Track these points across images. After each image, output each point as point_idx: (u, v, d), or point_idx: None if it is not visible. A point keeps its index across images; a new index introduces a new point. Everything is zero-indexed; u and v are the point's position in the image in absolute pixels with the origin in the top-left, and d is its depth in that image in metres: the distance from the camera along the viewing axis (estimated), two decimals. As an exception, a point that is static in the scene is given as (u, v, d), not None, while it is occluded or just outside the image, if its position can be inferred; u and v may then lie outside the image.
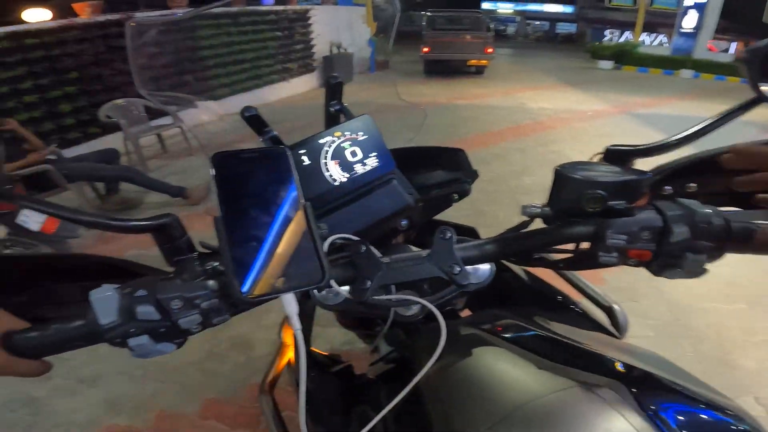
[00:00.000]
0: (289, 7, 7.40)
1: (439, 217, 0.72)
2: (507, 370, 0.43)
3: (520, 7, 30.21)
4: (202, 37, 5.73)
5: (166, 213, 0.40)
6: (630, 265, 0.44)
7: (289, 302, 0.36)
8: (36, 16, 6.01)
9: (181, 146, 4.52)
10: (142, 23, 0.65)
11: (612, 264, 0.43)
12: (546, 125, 5.47)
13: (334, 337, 1.89)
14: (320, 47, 7.90)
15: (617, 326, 0.65)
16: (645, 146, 0.49)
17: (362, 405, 0.56)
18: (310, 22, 7.75)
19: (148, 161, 4.10)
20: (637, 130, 5.27)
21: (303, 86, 7.71)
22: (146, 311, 0.35)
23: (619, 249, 0.42)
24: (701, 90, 8.25)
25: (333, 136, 0.54)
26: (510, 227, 0.52)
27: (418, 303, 0.46)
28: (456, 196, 0.68)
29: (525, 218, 0.49)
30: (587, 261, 0.46)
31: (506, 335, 0.49)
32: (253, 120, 0.63)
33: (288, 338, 0.73)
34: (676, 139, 0.50)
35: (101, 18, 4.73)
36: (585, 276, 0.73)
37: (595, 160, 0.51)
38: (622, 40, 14.65)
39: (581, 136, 5.01)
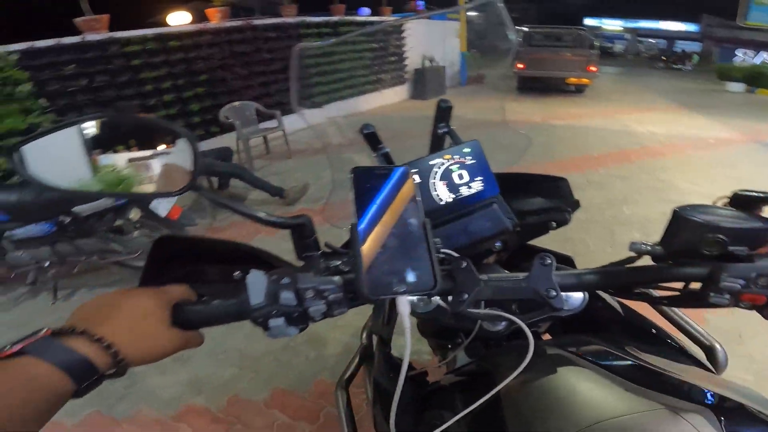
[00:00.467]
0: (384, 18, 7.73)
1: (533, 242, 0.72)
2: (590, 387, 0.43)
3: (631, 24, 27.79)
4: (310, 55, 6.19)
5: (302, 215, 0.48)
6: (740, 308, 0.44)
7: (404, 304, 0.40)
8: (178, 19, 6.95)
9: (281, 149, 4.94)
10: (306, 47, 0.76)
11: (722, 306, 0.43)
12: (655, 152, 4.94)
13: (402, 345, 1.92)
14: (412, 60, 8.08)
15: (716, 366, 0.63)
16: None
17: (435, 410, 0.58)
18: (403, 35, 7.98)
19: (254, 161, 4.54)
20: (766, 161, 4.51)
21: (394, 97, 7.97)
22: (287, 297, 0.41)
23: (733, 292, 0.42)
24: None
25: (443, 158, 0.58)
26: (613, 261, 0.52)
27: (508, 320, 0.48)
28: (554, 224, 0.69)
29: (631, 254, 0.49)
30: (695, 300, 0.45)
31: (592, 358, 0.49)
32: (370, 137, 0.70)
33: (368, 340, 0.77)
34: None
35: (228, 24, 5.27)
36: (687, 312, 0.70)
37: (719, 204, 0.51)
38: (757, 61, 12.68)
39: (697, 165, 4.44)
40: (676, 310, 0.72)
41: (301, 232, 0.47)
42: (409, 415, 0.58)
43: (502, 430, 0.43)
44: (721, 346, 0.65)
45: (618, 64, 18.41)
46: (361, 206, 0.41)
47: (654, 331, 0.66)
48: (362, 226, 0.40)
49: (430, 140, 0.78)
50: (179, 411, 1.67)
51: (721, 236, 0.42)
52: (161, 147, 0.49)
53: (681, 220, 0.45)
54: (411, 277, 0.39)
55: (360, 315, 0.53)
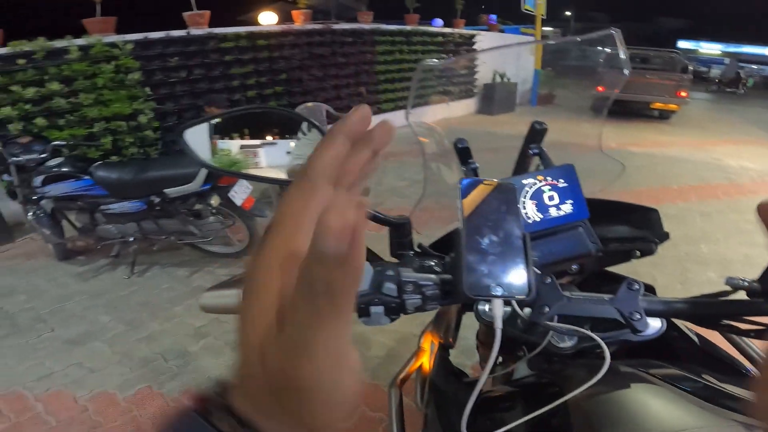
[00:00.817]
0: (456, 30, 7.67)
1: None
2: (664, 403, 0.43)
3: (732, 49, 25.16)
4: (380, 52, 6.28)
5: (403, 215, 0.52)
6: None
7: (498, 306, 0.42)
8: (266, 19, 7.37)
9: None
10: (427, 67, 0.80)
11: None
12: (746, 189, 4.45)
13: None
14: (482, 74, 7.94)
15: None
16: None
17: (494, 414, 0.59)
18: (475, 47, 7.90)
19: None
20: None
21: (461, 110, 7.89)
22: (390, 288, 0.44)
23: None
24: None
25: (536, 179, 0.60)
26: (704, 293, 0.52)
27: (586, 335, 0.49)
28: (638, 254, 0.68)
29: (726, 288, 0.49)
30: None
31: (667, 379, 0.48)
32: (463, 151, 0.74)
33: (426, 344, 0.79)
34: None
35: (309, 26, 5.52)
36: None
37: None
38: None
39: (800, 212, 3.90)
40: (753, 345, 0.69)
41: (400, 231, 0.51)
42: (460, 417, 0.61)
43: None
44: None
45: (713, 91, 16.74)
46: (469, 214, 0.45)
47: (731, 363, 0.63)
48: (467, 231, 0.44)
49: (516, 159, 0.80)
50: None
51: None
52: (269, 137, 0.53)
53: None
54: (507, 282, 0.41)
55: (406, 323, 0.56)
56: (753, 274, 0.49)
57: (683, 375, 0.50)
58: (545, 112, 8.05)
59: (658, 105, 8.12)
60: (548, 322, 0.50)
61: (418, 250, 0.52)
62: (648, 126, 7.87)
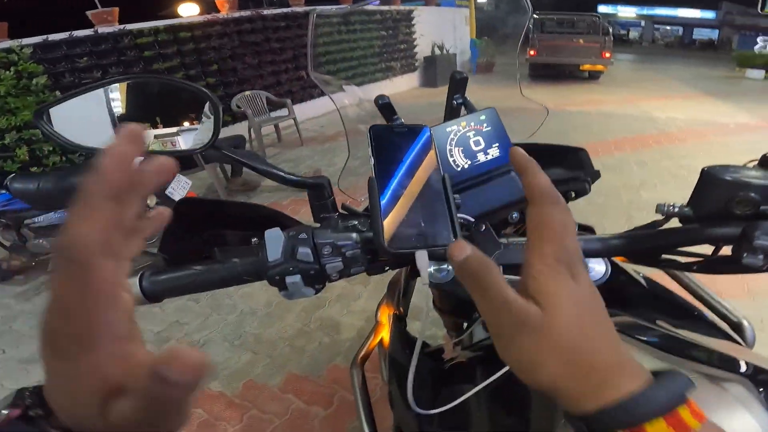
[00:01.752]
0: (393, 7, 7.62)
1: None
2: None
3: (647, 11, 27.10)
4: (318, 34, 6.15)
5: (321, 175, 0.47)
6: None
7: (422, 258, 0.37)
8: (187, 10, 7.03)
9: (293, 137, 4.96)
10: (322, 12, 0.78)
11: (755, 268, 0.42)
12: (675, 137, 4.81)
13: (412, 324, 1.92)
14: (422, 48, 8.00)
15: (744, 342, 0.63)
16: None
17: (454, 385, 0.57)
18: (413, 22, 7.89)
19: (266, 149, 4.58)
20: (797, 150, 4.35)
21: (405, 85, 7.92)
22: (304, 252, 0.40)
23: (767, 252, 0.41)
24: None
25: (459, 125, 0.57)
26: (637, 226, 0.51)
27: None
28: (573, 195, 0.68)
29: (658, 217, 0.48)
30: (727, 264, 0.45)
31: (620, 329, 0.47)
32: (385, 108, 0.70)
33: (384, 318, 0.76)
34: None
35: (237, 14, 5.30)
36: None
37: (749, 165, 0.50)
38: None
39: (719, 151, 4.32)
40: (701, 285, 0.71)
41: (319, 193, 0.47)
42: (426, 391, 0.58)
43: (525, 400, 0.42)
44: (748, 322, 0.64)
45: (633, 51, 18.02)
46: (380, 162, 0.40)
47: (684, 306, 0.65)
48: (379, 180, 0.39)
49: (444, 113, 0.76)
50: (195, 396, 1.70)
51: (752, 194, 0.41)
52: (186, 124, 0.52)
53: (710, 180, 0.44)
54: (431, 231, 0.37)
55: (375, 300, 0.51)
56: None
57: (636, 323, 0.50)
58: (486, 80, 8.24)
59: (587, 67, 8.63)
60: None
61: (344, 212, 0.49)
62: (580, 87, 8.30)
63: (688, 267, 0.50)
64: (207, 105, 0.50)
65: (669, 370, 0.24)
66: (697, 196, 0.45)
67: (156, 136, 0.50)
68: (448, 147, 0.56)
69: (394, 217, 0.37)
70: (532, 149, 0.66)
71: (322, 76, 0.93)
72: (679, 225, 0.47)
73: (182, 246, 0.48)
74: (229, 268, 0.42)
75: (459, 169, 0.56)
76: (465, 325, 0.94)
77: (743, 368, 0.40)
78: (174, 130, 0.51)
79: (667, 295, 0.66)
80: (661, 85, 8.78)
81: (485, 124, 0.58)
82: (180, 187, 2.41)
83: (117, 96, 0.50)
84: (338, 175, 0.73)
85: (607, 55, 8.41)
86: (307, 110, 5.90)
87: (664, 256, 0.51)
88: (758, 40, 14.38)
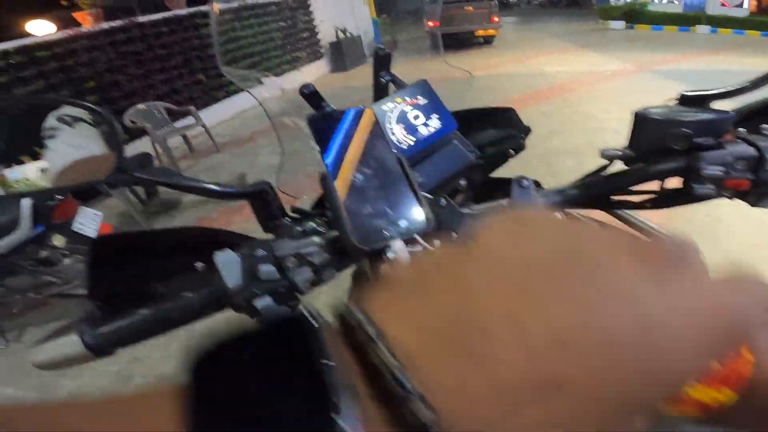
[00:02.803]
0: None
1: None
2: None
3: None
4: (209, 35, 5.71)
5: (261, 180, 0.42)
6: (725, 197, 0.45)
7: (400, 248, 0.36)
8: (40, 29, 6.04)
9: (206, 145, 4.58)
10: (223, 10, 0.67)
11: (708, 196, 0.43)
12: (566, 88, 5.34)
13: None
14: (325, 34, 7.82)
15: None
16: (720, 90, 0.50)
17: None
18: (311, 9, 7.67)
19: (178, 162, 4.18)
20: (661, 85, 5.10)
21: (314, 73, 7.70)
22: (268, 270, 0.35)
23: (716, 180, 0.42)
24: (722, 44, 7.82)
25: (394, 101, 0.55)
26: (587, 173, 0.52)
27: None
28: (512, 152, 0.69)
29: (604, 162, 0.50)
30: (679, 197, 0.47)
31: None
32: (312, 96, 0.65)
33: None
34: (752, 82, 0.51)
35: (106, 26, 4.74)
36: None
37: (671, 105, 0.52)
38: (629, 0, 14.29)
39: (604, 95, 4.88)
40: (646, 221, 0.77)
41: (263, 200, 0.42)
42: None
43: None
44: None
45: (514, 14, 19.45)
46: (327, 154, 0.37)
47: None
48: (332, 174, 0.36)
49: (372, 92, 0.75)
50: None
51: (685, 129, 0.43)
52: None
53: (643, 121, 0.46)
54: (401, 218, 0.35)
55: (338, 289, 0.49)
56: (595, 154, 0.51)
57: None
58: (394, 57, 8.35)
59: (480, 32, 9.14)
60: None
61: (293, 215, 0.44)
62: (478, 52, 8.81)
63: (641, 205, 0.52)
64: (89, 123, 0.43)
65: None
66: (634, 137, 0.48)
67: (43, 170, 0.42)
68: (388, 126, 0.54)
69: (357, 211, 0.35)
70: (464, 115, 0.67)
71: (235, 71, 0.85)
72: (624, 167, 0.49)
73: (115, 288, 0.41)
74: (184, 304, 0.37)
75: (404, 146, 0.53)
76: None
77: None
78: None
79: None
80: (543, 43, 9.60)
81: (420, 97, 0.56)
82: (90, 221, 2.11)
83: None
84: (268, 177, 0.66)
85: (496, 19, 8.97)
86: (215, 114, 5.47)
87: (616, 198, 0.53)
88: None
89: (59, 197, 2.05)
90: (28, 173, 0.41)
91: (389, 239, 0.34)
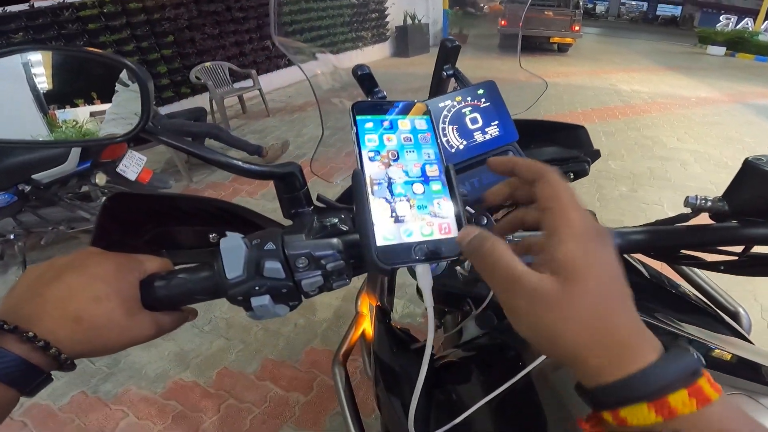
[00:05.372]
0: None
1: None
2: None
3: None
4: (284, 2, 5.86)
5: (290, 162, 0.38)
6: None
7: (425, 274, 0.31)
8: None
9: (258, 108, 4.73)
10: None
11: None
12: (639, 109, 4.91)
13: (394, 307, 1.88)
14: (394, 17, 7.78)
15: (742, 329, 0.60)
16: None
17: (448, 386, 0.51)
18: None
19: (230, 120, 4.35)
20: (752, 121, 4.56)
21: (375, 55, 7.72)
22: (273, 268, 0.32)
23: None
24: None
25: (454, 100, 0.50)
26: (662, 218, 0.46)
27: None
28: (572, 176, 0.63)
29: (685, 210, 0.43)
30: (760, 267, 0.41)
31: None
32: (365, 79, 0.61)
33: (365, 308, 0.69)
34: None
35: None
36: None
37: None
38: (738, 27, 12.88)
39: (682, 122, 4.44)
40: (699, 274, 0.68)
41: (289, 184, 0.38)
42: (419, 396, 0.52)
43: (539, 414, 0.37)
44: (745, 311, 0.62)
45: (599, 25, 18.24)
46: (368, 149, 0.32)
47: (681, 296, 0.61)
48: (368, 173, 0.31)
49: (430, 85, 0.69)
50: (168, 388, 1.60)
51: None
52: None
53: (753, 172, 0.39)
54: (434, 236, 0.31)
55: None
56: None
57: (646, 322, 0.47)
58: (461, 52, 8.16)
59: (556, 39, 8.67)
60: None
61: (319, 204, 0.40)
62: (550, 59, 8.36)
63: (715, 266, 0.45)
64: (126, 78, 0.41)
65: (678, 344, 0.24)
66: (735, 188, 0.40)
67: (92, 114, 0.42)
68: (441, 125, 0.49)
69: (387, 220, 0.30)
70: (529, 125, 0.59)
71: (287, 41, 0.83)
72: (709, 221, 0.42)
73: (118, 249, 0.40)
74: (177, 284, 0.34)
75: (453, 150, 0.49)
76: (443, 318, 0.89)
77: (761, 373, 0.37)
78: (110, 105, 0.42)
79: (667, 284, 0.63)
80: (626, 59, 8.94)
81: (483, 99, 0.51)
82: (134, 164, 2.23)
83: (41, 71, 0.41)
84: (310, 149, 0.63)
85: (577, 28, 8.47)
86: (273, 81, 5.64)
87: (686, 251, 0.46)
88: (720, 18, 14.94)
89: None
90: (80, 115, 0.40)
91: (414, 261, 0.30)
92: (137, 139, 0.39)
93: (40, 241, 2.36)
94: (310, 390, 1.55)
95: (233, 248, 0.32)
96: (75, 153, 2.07)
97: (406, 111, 0.35)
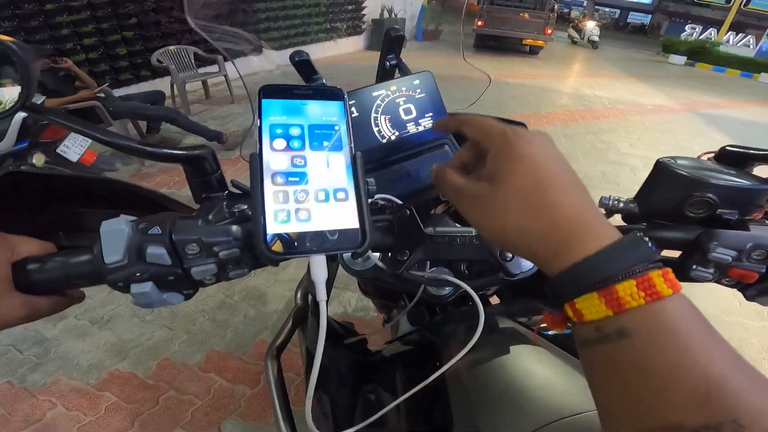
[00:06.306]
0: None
1: None
2: (548, 375, 0.38)
3: (589, -11, 28.06)
4: None
5: (202, 145, 0.37)
6: (723, 285, 0.38)
7: (319, 266, 0.31)
8: None
9: (223, 94, 4.60)
10: None
11: (704, 280, 0.37)
12: (599, 114, 5.12)
13: (347, 301, 1.87)
14: (371, 9, 7.69)
15: None
16: None
17: (373, 384, 0.52)
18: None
19: (192, 105, 4.21)
20: (701, 131, 4.83)
21: (349, 47, 7.62)
22: (156, 253, 0.30)
23: (721, 265, 0.36)
24: (782, 96, 7.39)
25: (388, 90, 0.50)
26: None
27: (455, 285, 0.42)
28: None
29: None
30: (674, 273, 0.41)
31: (548, 332, 0.45)
32: (303, 65, 0.59)
33: (304, 301, 0.69)
34: None
35: None
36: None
37: (705, 158, 0.44)
38: (702, 36, 13.53)
39: (636, 129, 4.66)
40: None
41: (199, 168, 0.35)
42: (347, 388, 0.53)
43: (447, 418, 0.37)
44: None
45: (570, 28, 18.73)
46: (271, 133, 0.31)
47: None
48: (268, 158, 0.30)
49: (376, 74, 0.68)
50: (102, 378, 1.54)
51: (710, 196, 0.36)
52: None
53: (664, 173, 0.38)
54: (334, 228, 0.30)
55: (306, 268, 0.45)
56: (609, 189, 0.45)
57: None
58: (431, 47, 8.18)
59: (528, 41, 8.85)
60: (413, 272, 0.41)
61: (234, 190, 0.38)
62: (520, 60, 8.53)
63: None
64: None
65: (632, 233, 0.22)
66: (646, 191, 0.40)
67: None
68: (374, 114, 0.48)
69: (282, 207, 0.29)
70: None
71: (202, 22, 0.78)
72: (621, 222, 0.42)
73: (8, 231, 0.38)
74: (51, 267, 0.32)
75: (384, 140, 0.48)
76: (391, 312, 0.89)
77: None
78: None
79: None
80: (591, 64, 9.26)
81: (419, 90, 0.50)
82: (76, 145, 2.11)
83: None
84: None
85: (549, 31, 8.66)
86: (241, 67, 5.47)
87: None
88: (686, 27, 15.60)
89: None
90: (6, 95, 0.37)
91: (308, 252, 0.29)
92: (94, 117, 0.36)
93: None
94: (257, 383, 1.53)
95: (115, 231, 0.30)
96: (12, 132, 1.96)
97: (320, 96, 0.34)
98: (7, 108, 0.37)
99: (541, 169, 0.25)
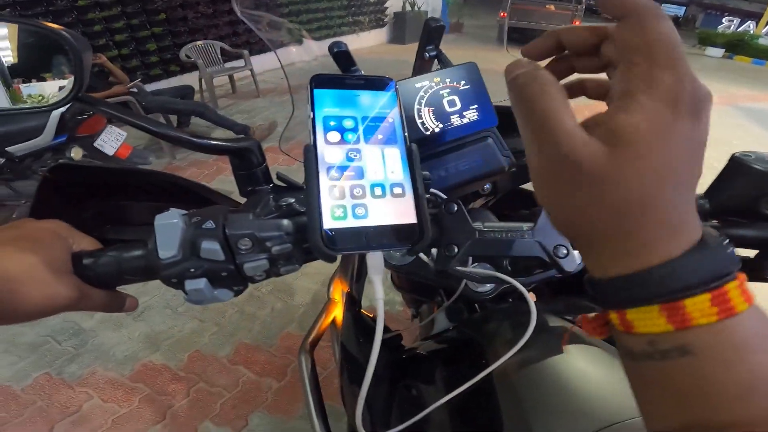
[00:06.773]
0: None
1: (525, 187, 0.65)
2: (602, 375, 0.36)
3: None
4: None
5: (248, 137, 0.37)
6: None
7: (376, 262, 0.29)
8: None
9: (248, 88, 4.67)
10: None
11: None
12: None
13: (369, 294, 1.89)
14: (393, 2, 7.65)
15: None
16: None
17: (411, 381, 0.51)
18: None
19: (219, 100, 4.30)
20: (739, 124, 4.59)
21: (372, 41, 7.61)
22: (210, 248, 0.29)
23: None
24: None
25: (432, 81, 0.48)
26: None
27: (505, 282, 0.39)
28: None
29: None
30: (747, 272, 0.39)
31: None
32: (341, 56, 0.58)
33: (337, 295, 0.68)
34: None
35: None
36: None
37: None
38: (740, 29, 12.88)
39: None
40: None
41: (245, 160, 0.35)
42: (383, 385, 0.51)
43: (495, 420, 0.36)
44: None
45: (600, 22, 18.22)
46: (324, 124, 0.30)
47: None
48: (322, 150, 0.29)
49: (413, 66, 0.66)
50: (136, 370, 1.58)
51: None
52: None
53: (740, 169, 0.37)
54: (390, 223, 0.29)
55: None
56: None
57: None
58: (455, 41, 8.07)
59: (555, 33, 8.66)
60: (459, 268, 0.40)
61: (278, 182, 0.37)
62: (548, 54, 8.38)
63: None
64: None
65: (714, 238, 0.18)
66: (719, 187, 0.38)
67: (61, 88, 0.40)
68: (417, 106, 0.47)
69: (338, 201, 0.28)
70: (509, 112, 0.60)
71: (251, 12, 0.78)
72: None
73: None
74: (107, 262, 0.31)
75: (428, 132, 0.47)
76: (420, 308, 0.86)
77: None
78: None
79: None
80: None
81: (463, 82, 0.49)
82: (112, 139, 2.19)
83: (5, 45, 0.40)
84: (298, 131, 0.61)
85: (577, 23, 8.44)
86: (266, 62, 5.54)
87: None
88: (723, 20, 14.92)
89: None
90: (47, 90, 0.39)
91: (365, 248, 0.28)
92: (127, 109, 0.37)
93: (12, 214, 2.32)
94: (284, 376, 1.54)
95: (169, 226, 0.29)
96: (51, 126, 2.04)
97: (370, 86, 0.33)
98: (50, 102, 0.36)
99: (684, 159, 0.18)
